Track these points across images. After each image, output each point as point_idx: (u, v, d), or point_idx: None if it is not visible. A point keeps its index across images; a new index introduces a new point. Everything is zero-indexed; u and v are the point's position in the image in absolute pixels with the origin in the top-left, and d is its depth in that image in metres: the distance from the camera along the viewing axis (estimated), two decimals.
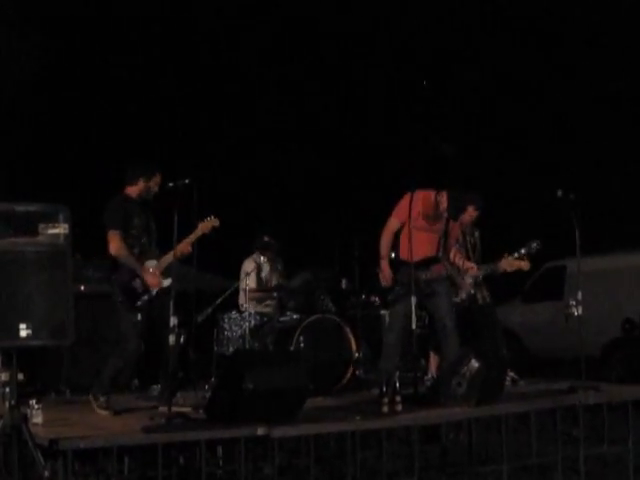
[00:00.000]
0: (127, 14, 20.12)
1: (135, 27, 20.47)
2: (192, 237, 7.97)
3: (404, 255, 8.63)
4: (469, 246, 9.89)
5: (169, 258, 7.85)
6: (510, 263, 9.08)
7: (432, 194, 8.72)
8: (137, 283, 7.82)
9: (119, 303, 7.81)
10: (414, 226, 8.48)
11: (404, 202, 8.68)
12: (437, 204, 8.69)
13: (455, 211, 8.71)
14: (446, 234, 8.79)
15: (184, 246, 7.92)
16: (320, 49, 22.30)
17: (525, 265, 9.08)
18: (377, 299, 10.00)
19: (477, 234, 10.00)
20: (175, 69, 21.25)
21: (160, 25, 21.20)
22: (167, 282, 7.90)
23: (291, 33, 22.15)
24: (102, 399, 7.66)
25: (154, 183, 8.07)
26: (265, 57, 22.10)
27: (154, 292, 7.86)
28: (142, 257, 7.94)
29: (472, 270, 9.09)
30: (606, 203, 19.52)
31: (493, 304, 10.01)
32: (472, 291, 9.70)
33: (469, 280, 9.68)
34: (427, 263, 8.63)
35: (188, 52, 21.26)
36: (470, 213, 9.68)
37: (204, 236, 8.05)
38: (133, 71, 20.55)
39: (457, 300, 9.60)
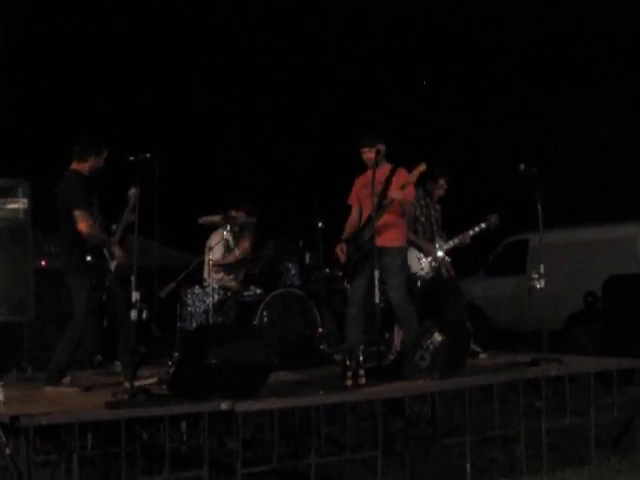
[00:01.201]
0: None
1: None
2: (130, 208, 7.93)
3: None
4: (433, 220, 9.93)
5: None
6: (411, 174, 8.81)
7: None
8: (106, 262, 7.75)
9: (81, 283, 7.72)
10: (361, 199, 8.81)
11: (352, 190, 9.07)
12: (367, 163, 8.78)
13: (370, 139, 8.77)
14: (383, 193, 8.74)
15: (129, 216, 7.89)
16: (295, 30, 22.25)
17: (423, 167, 8.81)
18: (340, 273, 10.00)
19: (438, 207, 10.04)
20: (142, 40, 21.07)
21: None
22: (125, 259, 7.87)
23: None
24: (64, 380, 7.59)
25: (102, 159, 7.98)
26: (239, 29, 21.98)
27: (113, 266, 7.80)
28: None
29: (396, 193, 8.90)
30: (568, 177, 19.63)
31: (456, 278, 10.07)
32: (435, 264, 9.74)
33: (436, 253, 9.73)
34: (368, 223, 8.64)
35: (156, 24, 21.10)
36: (442, 185, 9.77)
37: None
38: (98, 40, 20.36)
39: (422, 273, 9.66)
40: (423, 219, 9.83)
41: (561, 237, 14.22)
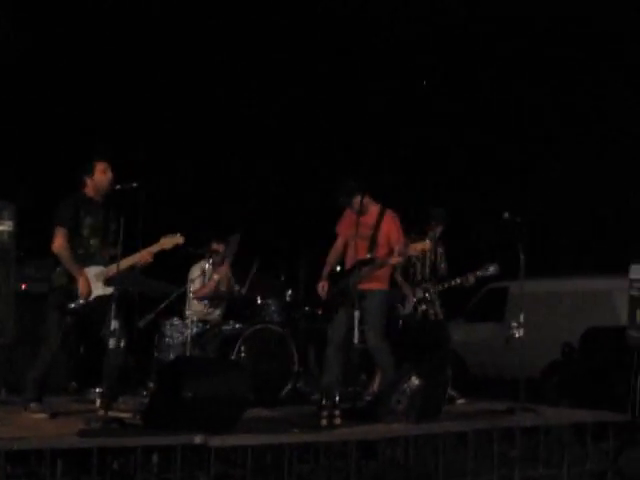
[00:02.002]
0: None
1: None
2: (152, 250, 7.80)
3: (345, 267, 8.81)
4: (427, 262, 9.98)
5: (115, 267, 7.57)
6: (414, 247, 8.94)
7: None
8: (74, 286, 7.70)
9: (51, 303, 7.69)
10: (349, 236, 8.78)
11: (342, 218, 8.94)
12: (351, 208, 8.83)
13: (344, 196, 8.80)
14: (375, 238, 8.80)
15: (143, 256, 7.79)
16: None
17: (426, 245, 8.96)
18: (320, 311, 10.02)
19: (441, 251, 10.13)
20: (130, 64, 21.09)
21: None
22: (106, 290, 7.70)
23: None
24: (33, 404, 7.50)
25: (100, 173, 7.87)
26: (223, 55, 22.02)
27: (90, 298, 7.74)
28: (88, 260, 7.82)
29: (395, 258, 8.92)
30: (550, 227, 19.71)
31: (444, 321, 10.09)
32: (424, 307, 9.79)
33: (420, 294, 9.79)
34: (356, 267, 8.68)
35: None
36: (432, 228, 9.83)
37: (163, 251, 7.95)
38: (83, 63, 20.35)
39: (404, 312, 9.72)
40: (414, 260, 9.89)
41: (541, 287, 14.25)
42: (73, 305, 7.66)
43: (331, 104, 21.89)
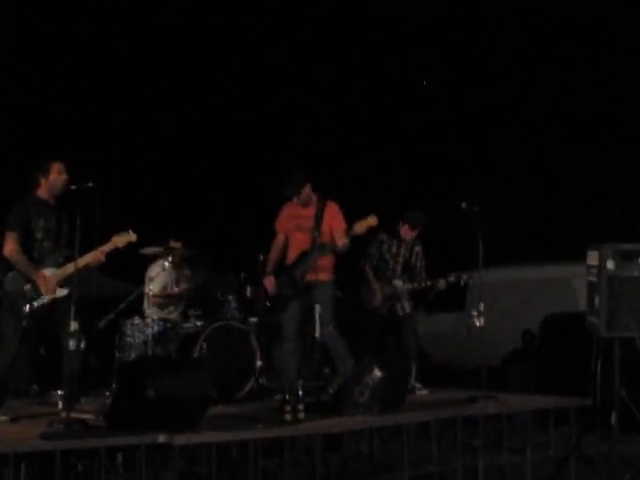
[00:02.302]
0: None
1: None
2: (104, 248, 7.78)
3: (287, 261, 8.90)
4: (400, 259, 10.03)
5: (71, 267, 7.52)
6: (359, 225, 8.93)
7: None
8: (28, 288, 7.63)
9: (5, 307, 7.65)
10: (288, 231, 9.01)
11: (280, 213, 9.16)
12: (291, 201, 8.95)
13: (294, 186, 8.92)
14: (318, 229, 8.85)
15: (96, 255, 7.76)
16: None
17: (373, 220, 8.99)
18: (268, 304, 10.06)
19: (418, 249, 10.21)
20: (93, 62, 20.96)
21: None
22: (63, 292, 7.71)
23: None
24: None
25: (55, 174, 7.84)
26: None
27: (46, 299, 7.69)
28: (41, 262, 7.77)
29: (340, 239, 8.79)
30: (507, 215, 19.82)
31: (412, 316, 10.15)
32: (390, 301, 9.87)
33: (387, 290, 9.85)
34: (301, 258, 8.77)
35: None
36: (405, 230, 9.89)
37: (116, 249, 7.91)
38: (55, 61, 20.21)
39: (371, 306, 9.80)
40: (387, 256, 9.98)
41: (500, 275, 14.30)
42: (28, 308, 7.61)
43: (282, 97, 21.91)
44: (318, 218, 8.87)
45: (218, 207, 20.30)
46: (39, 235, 7.76)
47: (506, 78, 21.65)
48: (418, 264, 10.18)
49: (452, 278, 9.93)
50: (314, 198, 8.98)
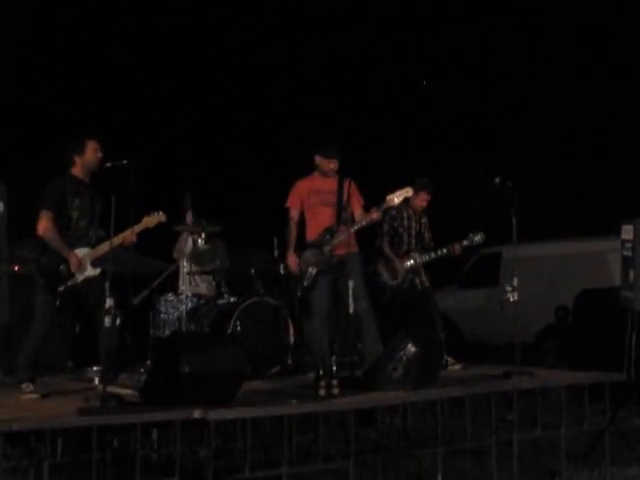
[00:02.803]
0: None
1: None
2: (136, 229, 7.79)
3: (309, 236, 8.89)
4: (413, 232, 9.99)
5: (105, 247, 7.58)
6: (392, 197, 8.91)
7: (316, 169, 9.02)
8: (63, 268, 7.68)
9: (41, 285, 7.70)
10: (309, 206, 8.92)
11: (292, 190, 9.13)
12: (320, 171, 8.95)
13: (329, 151, 8.98)
14: (340, 204, 8.86)
15: (128, 236, 7.79)
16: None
17: (407, 192, 8.93)
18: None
19: (425, 220, 10.12)
20: (128, 41, 21.00)
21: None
22: (95, 271, 7.76)
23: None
24: (24, 385, 7.51)
25: (90, 152, 7.85)
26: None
27: (79, 279, 7.74)
28: (76, 242, 7.79)
29: (374, 213, 8.79)
30: (542, 190, 19.71)
31: (431, 289, 10.12)
32: (410, 275, 9.82)
33: (408, 264, 9.81)
34: (326, 234, 8.77)
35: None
36: (422, 197, 9.84)
37: (146, 229, 7.94)
38: (81, 44, 20.27)
39: (392, 283, 9.75)
40: (401, 230, 9.91)
41: (534, 250, 14.26)
42: (62, 288, 7.66)
43: (307, 62, 21.90)
44: (340, 192, 8.88)
45: (253, 184, 20.35)
46: (74, 215, 7.78)
47: (537, 50, 21.53)
48: (426, 234, 10.13)
49: (465, 242, 9.84)
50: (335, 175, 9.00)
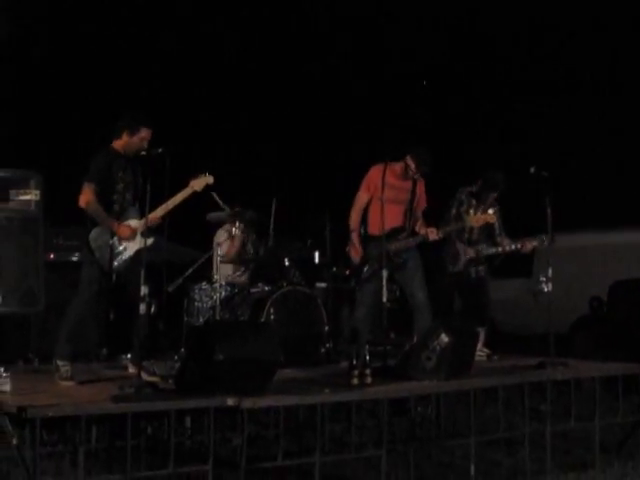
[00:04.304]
0: None
1: None
2: (183, 194, 7.76)
3: (373, 229, 8.79)
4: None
5: (154, 217, 7.62)
6: (476, 219, 9.05)
7: (398, 164, 8.81)
8: (115, 241, 7.66)
9: (90, 259, 7.65)
10: (380, 199, 8.57)
11: (372, 175, 8.85)
12: (405, 170, 8.78)
13: (424, 164, 8.79)
14: (412, 204, 8.86)
15: (179, 198, 7.76)
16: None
17: (491, 217, 9.05)
18: (348, 271, 10.02)
19: (492, 211, 9.77)
20: (163, 34, 21.11)
21: None
22: (148, 241, 7.50)
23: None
24: (63, 369, 7.48)
25: (138, 138, 7.74)
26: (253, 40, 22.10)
27: (132, 252, 7.73)
28: (125, 213, 7.75)
29: (432, 233, 9.01)
30: (577, 181, 19.62)
31: (487, 279, 10.03)
32: (471, 265, 9.77)
33: (471, 254, 9.74)
34: (395, 233, 8.74)
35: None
36: (492, 198, 9.77)
37: (194, 194, 7.87)
38: (116, 29, 20.39)
39: (457, 270, 9.71)
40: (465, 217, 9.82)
41: (568, 241, 14.17)
42: (117, 263, 7.65)
43: (353, 71, 21.91)
44: (414, 192, 8.88)
45: (285, 173, 20.39)
46: (120, 187, 7.73)
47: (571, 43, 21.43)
48: (496, 224, 9.86)
49: (535, 242, 9.66)
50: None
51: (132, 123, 7.80)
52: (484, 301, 9.95)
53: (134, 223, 7.75)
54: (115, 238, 7.64)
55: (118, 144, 7.82)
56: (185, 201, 7.86)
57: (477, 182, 9.87)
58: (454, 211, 9.78)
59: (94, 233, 7.64)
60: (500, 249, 9.82)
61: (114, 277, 7.69)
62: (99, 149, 7.81)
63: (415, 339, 9.31)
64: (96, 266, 7.62)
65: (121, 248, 7.70)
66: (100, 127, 8.09)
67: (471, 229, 9.76)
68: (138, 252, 7.67)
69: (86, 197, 7.59)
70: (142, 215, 7.65)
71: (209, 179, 7.86)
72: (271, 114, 21.72)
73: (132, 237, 7.70)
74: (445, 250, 9.77)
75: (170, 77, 20.61)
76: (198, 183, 7.85)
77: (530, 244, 9.67)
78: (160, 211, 7.71)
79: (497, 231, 9.90)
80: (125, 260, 7.71)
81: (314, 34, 22.23)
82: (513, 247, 9.77)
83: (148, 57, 20.57)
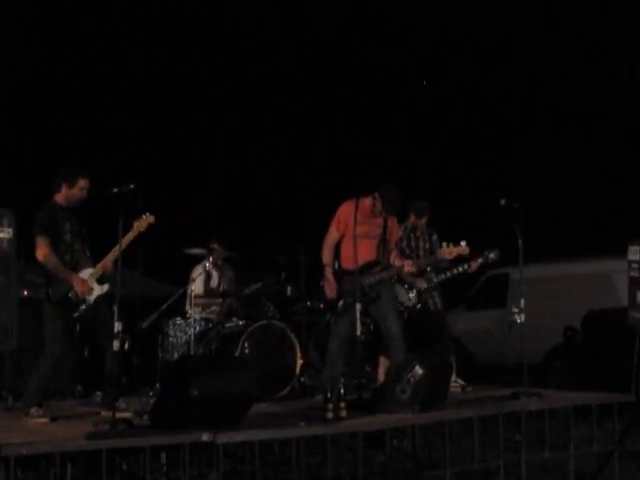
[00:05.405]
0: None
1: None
2: (129, 236, 7.78)
3: (346, 264, 8.77)
4: (421, 252, 9.99)
5: (105, 263, 7.79)
6: (449, 251, 9.12)
7: (367, 199, 8.83)
8: (72, 294, 7.71)
9: (52, 314, 7.70)
10: (353, 234, 8.62)
11: (342, 211, 8.87)
12: (373, 207, 8.80)
13: (389, 206, 8.78)
14: (384, 238, 8.88)
15: (125, 244, 7.83)
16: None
17: (464, 250, 9.12)
18: (322, 305, 10.04)
19: (435, 238, 10.14)
20: (129, 72, 21.15)
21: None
22: (104, 288, 7.82)
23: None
24: (33, 409, 7.48)
25: (78, 189, 7.87)
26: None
27: (92, 300, 7.78)
28: (78, 265, 7.83)
29: (408, 266, 9.06)
30: (547, 212, 19.74)
31: (444, 310, 10.14)
32: (424, 296, 9.83)
33: (423, 285, 9.81)
34: (369, 267, 8.75)
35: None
36: (424, 220, 9.88)
37: (140, 235, 7.92)
38: (81, 72, 20.42)
39: (409, 304, 9.74)
40: (408, 251, 9.91)
41: (541, 271, 14.25)
42: (77, 313, 7.70)
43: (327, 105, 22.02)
44: (385, 226, 8.90)
45: (258, 209, 20.41)
46: (68, 238, 7.82)
47: (541, 73, 21.64)
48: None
49: (481, 259, 9.79)
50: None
51: (69, 175, 7.91)
52: (445, 331, 10.03)
53: (88, 272, 7.82)
54: (72, 291, 7.71)
55: (59, 197, 7.92)
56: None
57: (409, 218, 10.00)
58: (404, 243, 9.91)
59: (51, 289, 7.72)
60: (448, 273, 9.90)
61: (78, 327, 7.76)
62: (44, 204, 7.88)
63: (380, 371, 9.37)
64: (59, 320, 7.67)
65: (80, 300, 7.76)
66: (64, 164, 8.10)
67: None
68: (97, 298, 7.80)
69: (43, 251, 7.68)
70: (95, 263, 7.86)
71: (150, 218, 7.91)
72: (247, 147, 21.78)
73: (90, 291, 7.78)
74: (397, 286, 9.78)
75: (139, 113, 20.65)
76: (141, 224, 7.89)
77: (475, 263, 9.78)
78: (111, 257, 7.79)
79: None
80: (87, 309, 7.77)
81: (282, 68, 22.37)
82: (460, 269, 9.85)
83: (120, 91, 20.62)
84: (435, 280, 9.90)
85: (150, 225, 7.89)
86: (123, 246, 7.53)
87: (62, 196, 7.89)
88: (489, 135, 22.28)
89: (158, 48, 21.59)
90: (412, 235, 10.04)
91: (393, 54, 22.46)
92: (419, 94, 22.86)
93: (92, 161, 8.08)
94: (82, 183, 7.89)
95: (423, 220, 10.06)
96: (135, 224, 7.86)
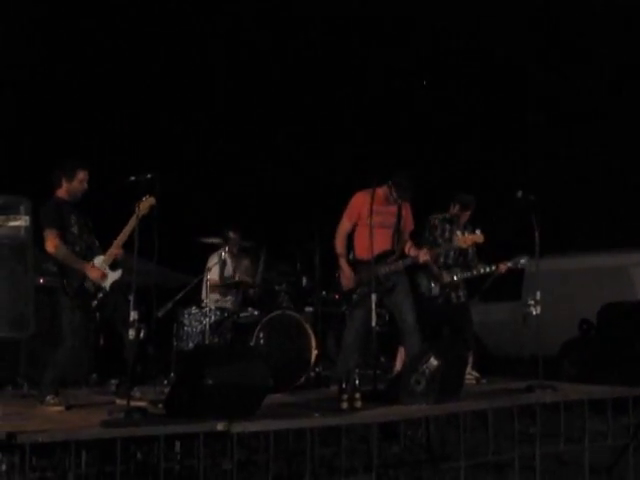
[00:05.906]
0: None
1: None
2: (132, 221, 7.73)
3: (361, 254, 8.76)
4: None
5: (115, 249, 7.87)
6: (464, 239, 9.08)
7: (382, 188, 8.81)
8: (88, 284, 7.74)
9: (69, 306, 7.73)
10: (367, 225, 8.55)
11: (355, 202, 8.85)
12: (389, 195, 8.78)
13: (404, 191, 8.76)
14: (398, 227, 8.87)
15: (127, 231, 7.84)
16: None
17: (479, 238, 9.08)
18: (337, 296, 10.03)
19: (478, 231, 9.90)
20: (142, 63, 21.15)
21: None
22: (117, 274, 7.89)
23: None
24: (49, 397, 7.53)
25: (78, 182, 7.94)
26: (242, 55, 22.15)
27: (107, 286, 7.81)
28: (89, 254, 7.88)
29: (423, 255, 9.01)
30: (564, 205, 19.69)
31: (467, 304, 10.09)
32: (447, 290, 9.80)
33: (447, 279, 9.78)
34: (384, 257, 8.74)
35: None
36: (466, 214, 9.81)
37: (144, 218, 7.90)
38: (100, 62, 20.45)
39: (429, 294, 9.72)
40: (441, 241, 9.84)
41: (556, 264, 14.23)
42: (95, 302, 7.73)
43: (333, 92, 21.98)
44: (399, 216, 8.88)
45: (275, 199, 20.41)
46: (75, 230, 7.87)
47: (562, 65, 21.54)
48: (470, 250, 9.99)
49: (511, 263, 9.77)
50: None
51: (67, 169, 7.98)
52: (467, 326, 10.00)
53: (99, 260, 7.89)
54: (87, 281, 7.76)
55: (61, 192, 7.98)
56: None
57: (449, 208, 9.94)
58: (429, 237, 9.84)
59: (66, 280, 7.77)
60: (475, 272, 9.86)
61: (97, 315, 7.78)
62: (45, 201, 7.93)
63: (398, 362, 9.36)
64: (77, 311, 7.71)
65: (96, 288, 7.82)
66: (86, 153, 8.13)
67: (446, 254, 9.83)
68: (113, 285, 7.87)
69: (52, 242, 7.74)
70: (105, 249, 7.95)
71: (151, 200, 7.86)
72: (263, 137, 21.78)
73: (104, 277, 7.81)
74: (420, 276, 9.78)
75: (148, 105, 20.67)
76: (144, 205, 7.87)
77: (504, 266, 9.75)
78: (119, 242, 7.84)
79: (470, 256, 9.97)
80: (104, 296, 7.84)
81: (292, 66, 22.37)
82: (487, 269, 9.81)
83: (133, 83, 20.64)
84: (460, 276, 9.86)
85: (152, 207, 7.87)
86: (130, 230, 7.65)
87: (63, 191, 7.96)
88: (506, 127, 22.22)
89: (174, 38, 21.61)
90: (448, 226, 9.95)
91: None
92: (436, 87, 22.81)
93: (107, 152, 8.07)
94: (81, 175, 7.96)
95: (467, 213, 9.95)
96: (136, 209, 7.87)
